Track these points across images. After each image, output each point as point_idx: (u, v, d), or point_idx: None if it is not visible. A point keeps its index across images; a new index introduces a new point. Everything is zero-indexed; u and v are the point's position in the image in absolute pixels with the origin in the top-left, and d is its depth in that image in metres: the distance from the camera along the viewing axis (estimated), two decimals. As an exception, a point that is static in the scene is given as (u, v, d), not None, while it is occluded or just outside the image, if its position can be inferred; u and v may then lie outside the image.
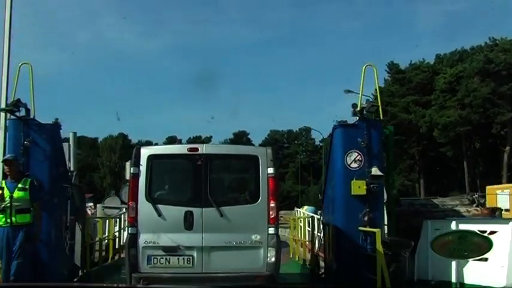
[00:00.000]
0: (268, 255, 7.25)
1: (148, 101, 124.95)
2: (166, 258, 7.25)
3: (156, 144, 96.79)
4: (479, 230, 8.08)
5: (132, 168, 7.47)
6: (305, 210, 49.07)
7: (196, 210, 7.33)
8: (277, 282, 7.54)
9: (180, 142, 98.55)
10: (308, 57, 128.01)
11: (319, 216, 13.02)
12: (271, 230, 7.32)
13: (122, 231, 15.53)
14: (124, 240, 13.37)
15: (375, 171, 9.25)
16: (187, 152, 7.65)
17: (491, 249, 7.49)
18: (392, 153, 11.04)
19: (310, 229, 14.15)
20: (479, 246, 7.28)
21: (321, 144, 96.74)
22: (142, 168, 7.41)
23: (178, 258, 7.25)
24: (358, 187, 9.20)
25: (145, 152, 7.57)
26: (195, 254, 7.26)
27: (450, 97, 51.79)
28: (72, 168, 12.60)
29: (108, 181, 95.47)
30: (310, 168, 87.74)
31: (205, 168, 7.45)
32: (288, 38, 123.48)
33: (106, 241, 13.64)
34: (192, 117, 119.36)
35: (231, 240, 7.29)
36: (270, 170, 7.41)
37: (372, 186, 9.20)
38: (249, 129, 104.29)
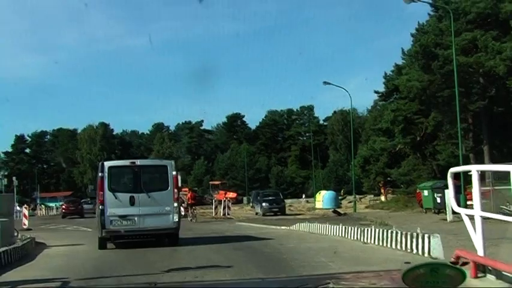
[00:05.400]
0: (174, 217, 16.15)
1: (135, 98, 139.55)
2: (120, 221, 16.02)
3: (143, 133, 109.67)
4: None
5: (100, 173, 16.16)
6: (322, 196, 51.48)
7: (136, 195, 16.10)
8: (178, 233, 16.50)
9: (168, 129, 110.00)
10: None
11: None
12: (175, 204, 16.26)
13: None
14: None
15: None
16: (130, 164, 16.82)
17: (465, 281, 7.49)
18: None
19: None
20: (452, 278, 7.38)
21: (325, 123, 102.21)
22: (105, 173, 16.12)
23: (127, 221, 16.03)
24: None
25: (106, 164, 16.38)
26: (136, 219, 16.04)
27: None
28: None
29: (90, 176, 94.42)
30: (317, 149, 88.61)
31: (139, 172, 16.48)
32: (276, 28, 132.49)
33: None
34: (181, 102, 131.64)
35: (154, 211, 16.11)
36: (174, 173, 16.34)
37: None
38: (244, 111, 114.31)
